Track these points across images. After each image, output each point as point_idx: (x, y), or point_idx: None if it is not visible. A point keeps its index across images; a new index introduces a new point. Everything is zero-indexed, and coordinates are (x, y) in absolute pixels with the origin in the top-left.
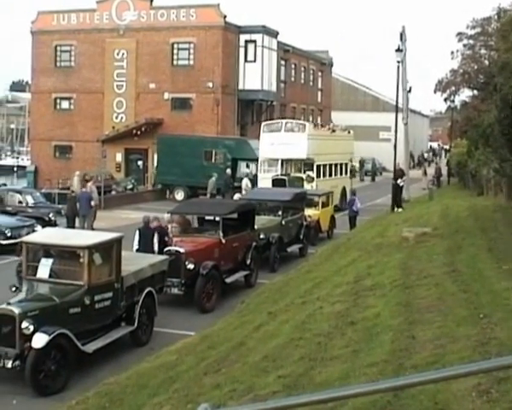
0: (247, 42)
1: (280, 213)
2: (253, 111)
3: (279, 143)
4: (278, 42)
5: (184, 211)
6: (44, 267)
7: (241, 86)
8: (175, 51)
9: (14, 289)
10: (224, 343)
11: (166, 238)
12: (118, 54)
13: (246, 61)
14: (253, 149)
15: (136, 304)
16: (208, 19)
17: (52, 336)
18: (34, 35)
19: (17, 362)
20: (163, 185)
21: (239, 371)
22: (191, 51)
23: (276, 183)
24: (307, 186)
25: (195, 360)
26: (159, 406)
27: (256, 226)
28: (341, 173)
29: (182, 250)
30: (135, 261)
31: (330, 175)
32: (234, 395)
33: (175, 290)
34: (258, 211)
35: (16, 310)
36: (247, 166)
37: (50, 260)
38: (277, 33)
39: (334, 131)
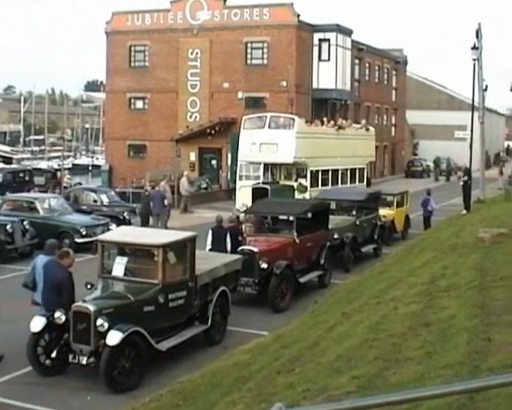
0: (320, 40)
1: (354, 212)
2: (326, 110)
3: (262, 143)
4: (352, 40)
5: (259, 211)
6: (119, 265)
7: (314, 85)
8: (248, 50)
9: (89, 286)
10: (297, 343)
11: (240, 238)
12: (191, 53)
13: (320, 59)
14: None
15: (209, 303)
16: (282, 18)
17: (126, 333)
18: (109, 35)
19: (92, 359)
20: None
21: (312, 371)
22: (265, 50)
23: (257, 193)
24: (300, 197)
25: (269, 359)
26: (232, 404)
27: (330, 226)
28: (352, 181)
29: (255, 249)
30: (209, 260)
31: (335, 183)
32: (307, 395)
33: (248, 290)
34: (332, 211)
35: (91, 307)
36: None
37: (125, 259)
38: (351, 32)
39: (341, 128)
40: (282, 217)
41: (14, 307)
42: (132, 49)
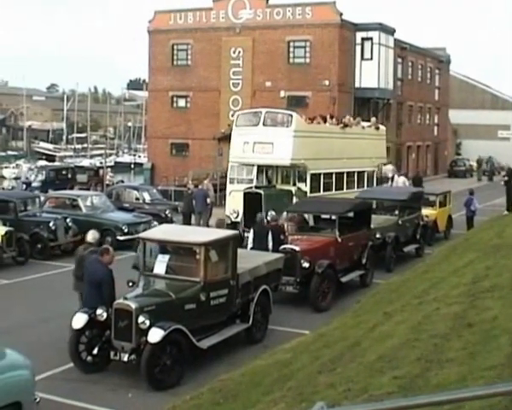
0: (363, 39)
1: (397, 212)
2: (369, 109)
3: (255, 142)
4: (395, 39)
5: (301, 209)
6: (161, 263)
7: (357, 84)
8: (291, 49)
9: (130, 284)
10: (338, 343)
11: (282, 236)
12: (234, 52)
13: (362, 58)
14: None
15: (251, 302)
16: (324, 16)
17: (168, 331)
18: (151, 34)
19: (133, 356)
20: None
21: (353, 370)
22: (307, 49)
23: (249, 199)
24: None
25: (310, 358)
26: (273, 403)
27: (372, 225)
28: (360, 186)
29: (297, 248)
30: (250, 259)
31: (339, 188)
32: (348, 395)
33: (290, 289)
34: (374, 210)
35: (133, 305)
36: None
37: (167, 257)
38: (394, 30)
39: (346, 125)
40: (324, 216)
41: (57, 303)
42: (175, 47)
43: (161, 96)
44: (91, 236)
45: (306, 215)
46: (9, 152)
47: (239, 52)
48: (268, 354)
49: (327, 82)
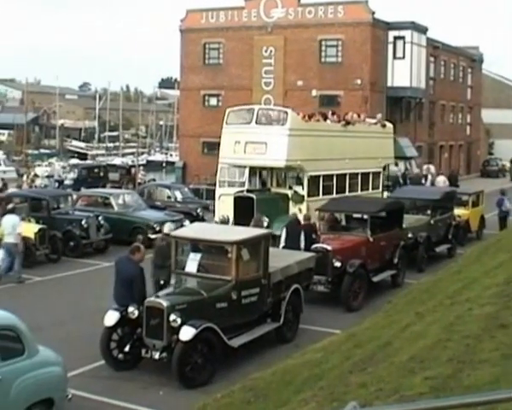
0: (395, 38)
1: (429, 212)
2: (401, 109)
3: (247, 142)
4: (427, 38)
5: (332, 209)
6: (193, 262)
7: (389, 83)
8: (323, 48)
9: (162, 282)
10: (370, 342)
11: (314, 236)
12: (266, 51)
13: (394, 57)
14: (402, 147)
15: (282, 301)
16: (356, 15)
17: (199, 329)
18: (183, 33)
19: (164, 354)
20: None
21: (385, 371)
22: (339, 48)
23: (239, 204)
24: (294, 209)
25: (341, 358)
26: (304, 402)
27: (404, 225)
28: (364, 188)
29: (329, 248)
30: (282, 258)
31: (341, 191)
32: (380, 395)
33: (321, 288)
34: (406, 210)
35: (164, 303)
36: (396, 165)
37: (199, 255)
38: (426, 29)
39: (349, 123)
40: (356, 215)
41: (89, 300)
42: (207, 46)
43: (193, 94)
44: (168, 227)
45: (338, 214)
46: (42, 150)
47: (271, 51)
48: (299, 354)
49: (359, 81)
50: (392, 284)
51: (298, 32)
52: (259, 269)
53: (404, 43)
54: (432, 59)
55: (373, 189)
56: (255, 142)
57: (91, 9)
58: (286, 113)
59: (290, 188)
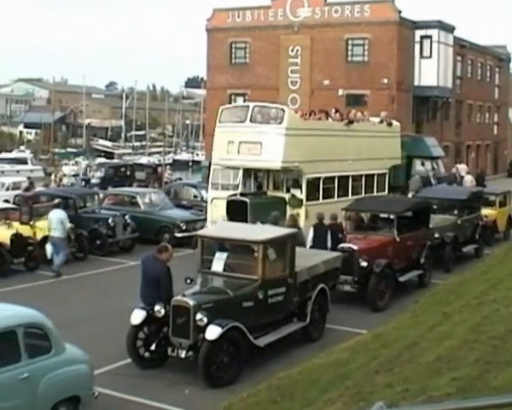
0: (422, 37)
1: (456, 212)
2: (428, 108)
3: (241, 142)
4: (454, 37)
5: (359, 208)
6: (219, 261)
7: (416, 83)
8: (349, 47)
9: (188, 281)
10: (396, 343)
11: (340, 235)
12: (292, 50)
13: (421, 56)
14: (429, 146)
15: (308, 300)
16: (383, 14)
17: (225, 328)
18: (209, 32)
19: (190, 353)
20: None
21: (411, 371)
22: (366, 47)
23: (232, 208)
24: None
25: (367, 358)
26: (330, 402)
27: (431, 225)
28: (368, 191)
29: (355, 247)
30: (308, 257)
31: (343, 194)
32: (406, 396)
33: (347, 288)
34: (433, 209)
35: (191, 302)
36: (422, 165)
37: (225, 254)
38: (453, 28)
39: (352, 121)
40: (382, 215)
41: (115, 299)
42: (233, 46)
43: (219, 94)
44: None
45: (364, 214)
46: (69, 149)
47: (297, 50)
48: (325, 353)
49: (385, 80)
50: (419, 284)
51: (324, 31)
52: (286, 268)
53: (431, 42)
54: (459, 58)
55: (378, 191)
56: (249, 141)
57: (117, 9)
58: (283, 110)
59: (288, 191)
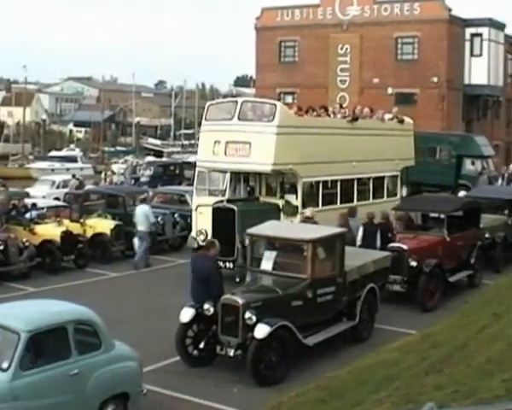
0: (472, 35)
1: (506, 211)
2: (478, 107)
3: (228, 142)
4: (505, 35)
5: (408, 208)
6: (268, 260)
7: (466, 81)
8: (399, 46)
9: (237, 280)
10: (446, 343)
11: (390, 235)
12: (341, 49)
13: (471, 55)
14: (479, 145)
15: (357, 299)
16: (433, 12)
17: (274, 327)
18: (258, 31)
19: (239, 351)
20: None
21: (461, 372)
22: (415, 45)
23: (218, 216)
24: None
25: (417, 358)
26: (379, 402)
27: (481, 225)
28: (377, 196)
29: (405, 247)
30: (358, 257)
31: (347, 200)
32: (456, 397)
33: (397, 287)
34: (483, 209)
35: (240, 300)
36: (473, 164)
37: (274, 253)
38: (504, 26)
39: (357, 118)
40: (432, 215)
41: (164, 297)
42: (282, 44)
43: (268, 92)
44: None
45: (414, 214)
46: (118, 148)
47: (346, 49)
48: (374, 353)
49: (435, 79)
50: (469, 284)
51: (374, 29)
52: (335, 267)
53: (482, 40)
54: (510, 56)
55: (388, 196)
56: (237, 141)
57: (166, 9)
58: (274, 106)
59: (282, 197)
